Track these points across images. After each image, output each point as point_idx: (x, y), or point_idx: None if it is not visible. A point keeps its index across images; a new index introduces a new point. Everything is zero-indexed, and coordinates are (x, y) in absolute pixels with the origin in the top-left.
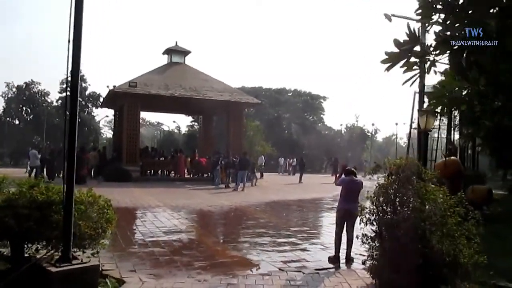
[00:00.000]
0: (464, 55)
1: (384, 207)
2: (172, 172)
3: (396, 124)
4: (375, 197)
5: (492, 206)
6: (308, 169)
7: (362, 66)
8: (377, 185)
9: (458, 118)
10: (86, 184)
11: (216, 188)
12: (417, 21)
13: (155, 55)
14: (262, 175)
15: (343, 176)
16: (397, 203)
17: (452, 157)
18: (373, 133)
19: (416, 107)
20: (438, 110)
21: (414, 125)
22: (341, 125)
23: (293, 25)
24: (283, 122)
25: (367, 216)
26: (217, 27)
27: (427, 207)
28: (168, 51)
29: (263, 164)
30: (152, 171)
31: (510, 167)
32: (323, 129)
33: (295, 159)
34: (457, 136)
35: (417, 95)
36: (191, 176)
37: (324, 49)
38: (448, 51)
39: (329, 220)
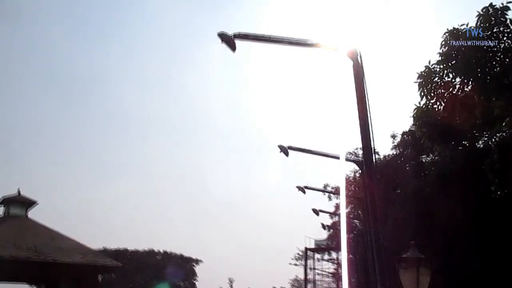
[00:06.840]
0: None
1: None
2: None
3: None
4: None
5: None
6: None
7: (238, 225)
8: None
9: None
10: None
11: None
12: None
13: None
14: None
15: None
16: None
17: None
18: None
19: (310, 265)
20: None
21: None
22: None
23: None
24: None
25: None
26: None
27: None
28: (6, 201)
29: None
30: None
31: None
32: None
33: None
34: None
35: (310, 252)
36: None
37: (193, 208)
38: None
39: None
